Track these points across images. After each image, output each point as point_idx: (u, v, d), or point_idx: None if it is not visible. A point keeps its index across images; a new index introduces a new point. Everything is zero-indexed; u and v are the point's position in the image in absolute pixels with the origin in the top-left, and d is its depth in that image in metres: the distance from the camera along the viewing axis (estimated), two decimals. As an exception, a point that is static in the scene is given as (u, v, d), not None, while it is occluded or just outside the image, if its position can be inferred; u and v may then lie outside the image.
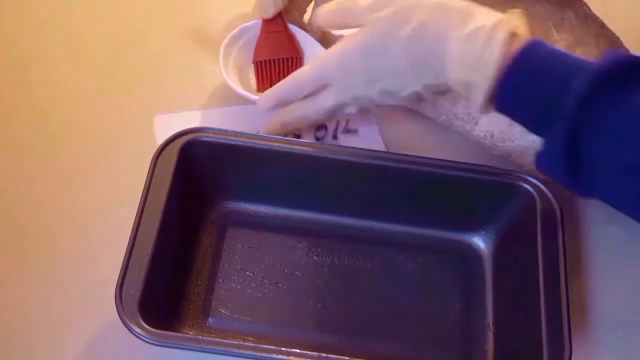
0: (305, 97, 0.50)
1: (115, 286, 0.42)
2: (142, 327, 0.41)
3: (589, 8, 0.55)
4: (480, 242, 0.52)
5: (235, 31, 0.57)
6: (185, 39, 0.63)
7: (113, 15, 0.64)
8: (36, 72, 0.59)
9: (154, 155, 0.47)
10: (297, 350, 0.42)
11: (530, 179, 0.49)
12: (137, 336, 0.41)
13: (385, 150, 0.56)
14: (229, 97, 0.58)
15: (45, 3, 0.64)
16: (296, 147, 0.49)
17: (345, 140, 0.57)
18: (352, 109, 0.49)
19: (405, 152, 0.50)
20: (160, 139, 0.51)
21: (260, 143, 0.49)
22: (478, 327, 0.49)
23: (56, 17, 0.63)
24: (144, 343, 0.41)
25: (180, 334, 0.45)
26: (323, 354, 0.41)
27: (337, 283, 0.50)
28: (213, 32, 0.63)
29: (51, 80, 0.59)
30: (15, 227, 0.51)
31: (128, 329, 0.41)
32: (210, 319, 0.48)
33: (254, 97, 0.54)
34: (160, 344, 0.42)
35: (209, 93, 0.59)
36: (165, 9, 0.65)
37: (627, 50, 0.54)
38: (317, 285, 0.50)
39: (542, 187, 0.49)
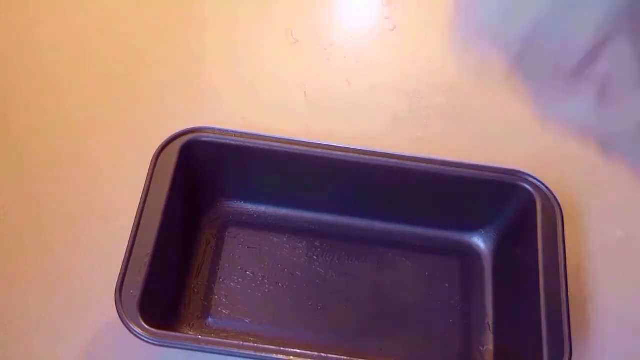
0: None
1: (115, 286, 0.42)
2: (142, 327, 0.41)
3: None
4: (480, 242, 0.52)
5: None
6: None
7: (114, 19, 0.64)
8: (35, 74, 0.59)
9: (154, 155, 0.47)
10: (297, 350, 0.42)
11: (530, 179, 0.49)
12: (137, 336, 0.41)
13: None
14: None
15: (46, 9, 0.64)
16: (296, 147, 0.49)
17: None
18: None
19: (405, 152, 0.50)
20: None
21: (260, 143, 0.49)
22: (478, 327, 0.49)
23: (52, 19, 0.63)
24: (144, 343, 0.41)
25: (180, 334, 0.45)
26: (323, 354, 0.41)
27: (337, 283, 0.50)
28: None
29: (50, 81, 0.59)
30: (15, 227, 0.51)
31: (128, 329, 0.41)
32: (210, 319, 0.48)
33: None
34: (160, 344, 0.42)
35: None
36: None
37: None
38: (317, 285, 0.50)
39: (542, 187, 0.49)
